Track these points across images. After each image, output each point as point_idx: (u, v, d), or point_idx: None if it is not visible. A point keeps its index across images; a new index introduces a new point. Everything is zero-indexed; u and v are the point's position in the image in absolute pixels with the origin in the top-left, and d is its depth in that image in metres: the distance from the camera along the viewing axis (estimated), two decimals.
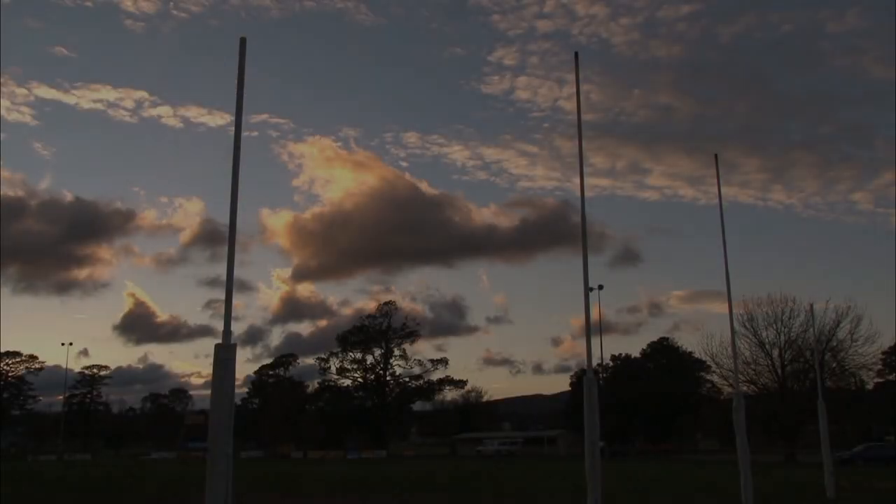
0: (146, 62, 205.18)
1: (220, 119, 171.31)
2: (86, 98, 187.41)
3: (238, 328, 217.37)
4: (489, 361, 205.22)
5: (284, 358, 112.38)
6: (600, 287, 66.20)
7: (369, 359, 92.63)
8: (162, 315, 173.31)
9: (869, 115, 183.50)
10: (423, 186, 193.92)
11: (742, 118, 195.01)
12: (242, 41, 8.03)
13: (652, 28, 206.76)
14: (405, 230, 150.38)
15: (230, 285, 7.36)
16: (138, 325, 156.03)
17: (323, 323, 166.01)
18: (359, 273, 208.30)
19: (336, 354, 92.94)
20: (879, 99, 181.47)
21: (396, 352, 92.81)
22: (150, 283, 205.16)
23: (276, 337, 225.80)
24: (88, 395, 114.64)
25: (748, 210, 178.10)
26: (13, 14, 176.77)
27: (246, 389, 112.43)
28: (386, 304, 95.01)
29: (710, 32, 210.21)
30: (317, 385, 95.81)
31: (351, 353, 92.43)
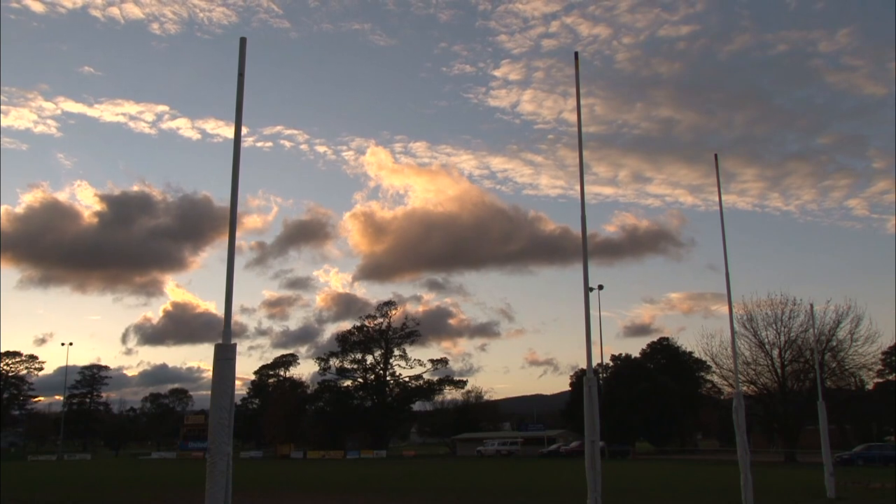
0: (168, 79, 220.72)
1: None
2: (109, 112, 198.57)
3: (294, 324, 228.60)
4: (533, 362, 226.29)
5: (284, 358, 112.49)
6: (600, 287, 66.55)
7: (369, 359, 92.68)
8: (217, 315, 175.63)
9: (862, 127, 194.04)
10: (488, 197, 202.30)
11: (740, 130, 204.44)
12: (242, 41, 8.04)
13: (653, 46, 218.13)
14: (469, 236, 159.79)
15: (230, 286, 7.35)
16: (183, 326, 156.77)
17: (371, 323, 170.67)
18: (418, 275, 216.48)
19: (336, 355, 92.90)
20: (872, 112, 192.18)
21: (396, 352, 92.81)
22: (208, 286, 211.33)
23: (327, 334, 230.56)
24: (88, 396, 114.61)
25: (747, 216, 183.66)
26: (45, 37, 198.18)
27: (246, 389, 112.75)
28: (385, 304, 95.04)
29: (709, 50, 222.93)
30: (317, 385, 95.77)
31: (351, 354, 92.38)
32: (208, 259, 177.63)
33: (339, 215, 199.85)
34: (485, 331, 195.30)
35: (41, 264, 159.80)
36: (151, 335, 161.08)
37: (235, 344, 7.14)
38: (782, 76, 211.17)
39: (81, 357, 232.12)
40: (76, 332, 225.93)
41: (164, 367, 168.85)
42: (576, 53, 11.71)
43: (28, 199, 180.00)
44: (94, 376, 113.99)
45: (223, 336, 7.14)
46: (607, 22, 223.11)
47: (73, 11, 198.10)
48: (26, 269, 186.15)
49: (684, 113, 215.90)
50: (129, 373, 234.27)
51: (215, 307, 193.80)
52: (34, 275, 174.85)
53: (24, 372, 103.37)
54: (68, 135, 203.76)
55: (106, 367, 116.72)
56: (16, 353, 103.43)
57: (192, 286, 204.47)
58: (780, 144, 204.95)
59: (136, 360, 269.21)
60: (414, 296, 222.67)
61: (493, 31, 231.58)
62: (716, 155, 17.73)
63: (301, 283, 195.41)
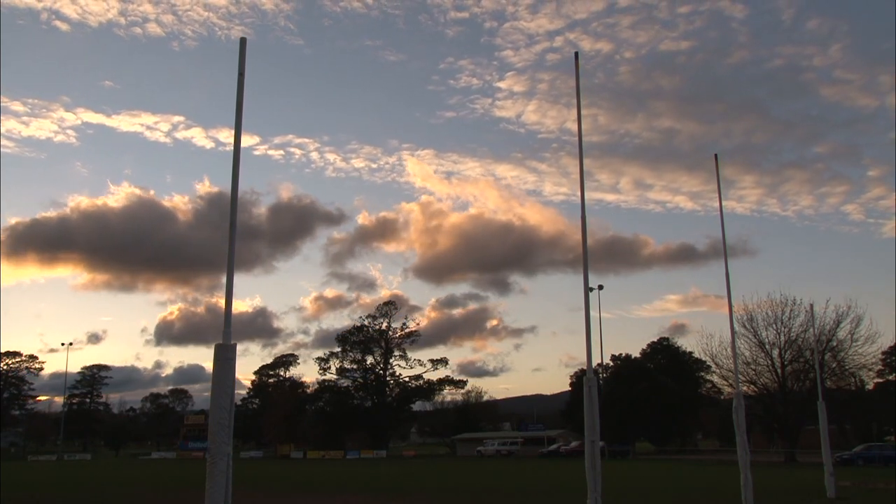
0: (185, 92, 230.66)
1: (250, 139, 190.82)
2: (126, 122, 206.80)
3: (342, 322, 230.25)
4: (568, 364, 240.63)
5: (285, 358, 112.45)
6: (600, 287, 66.57)
7: (369, 359, 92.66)
8: (268, 317, 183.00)
9: (856, 136, 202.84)
10: (536, 207, 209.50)
11: (738, 139, 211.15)
12: (242, 42, 8.04)
13: (654, 60, 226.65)
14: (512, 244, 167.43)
15: (230, 286, 7.37)
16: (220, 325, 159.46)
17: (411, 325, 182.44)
18: (468, 276, 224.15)
19: (336, 355, 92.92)
20: (866, 122, 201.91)
21: (396, 352, 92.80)
22: (267, 288, 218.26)
23: None
24: (88, 396, 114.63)
25: (745, 220, 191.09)
26: (71, 53, 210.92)
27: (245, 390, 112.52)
28: (385, 304, 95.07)
29: (708, 64, 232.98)
30: (317, 385, 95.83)
31: (351, 354, 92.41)
32: (288, 259, 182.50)
33: (378, 221, 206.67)
34: (522, 332, 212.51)
35: (107, 265, 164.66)
36: (189, 335, 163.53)
37: (235, 344, 7.17)
38: (778, 89, 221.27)
39: (119, 357, 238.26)
40: (127, 330, 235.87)
41: (198, 367, 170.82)
42: (576, 54, 11.75)
43: (120, 196, 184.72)
44: (94, 376, 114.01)
45: (223, 336, 7.15)
46: (609, 38, 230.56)
47: (98, 30, 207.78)
48: (87, 269, 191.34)
49: (684, 123, 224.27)
50: (165, 372, 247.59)
51: (260, 300, 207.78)
52: (98, 276, 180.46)
53: (25, 372, 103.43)
54: (85, 144, 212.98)
55: (107, 367, 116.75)
56: (16, 353, 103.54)
57: (248, 286, 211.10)
58: (777, 153, 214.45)
59: (177, 360, 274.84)
60: (459, 295, 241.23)
61: (499, 47, 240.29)
62: (716, 155, 17.71)
63: (351, 285, 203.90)
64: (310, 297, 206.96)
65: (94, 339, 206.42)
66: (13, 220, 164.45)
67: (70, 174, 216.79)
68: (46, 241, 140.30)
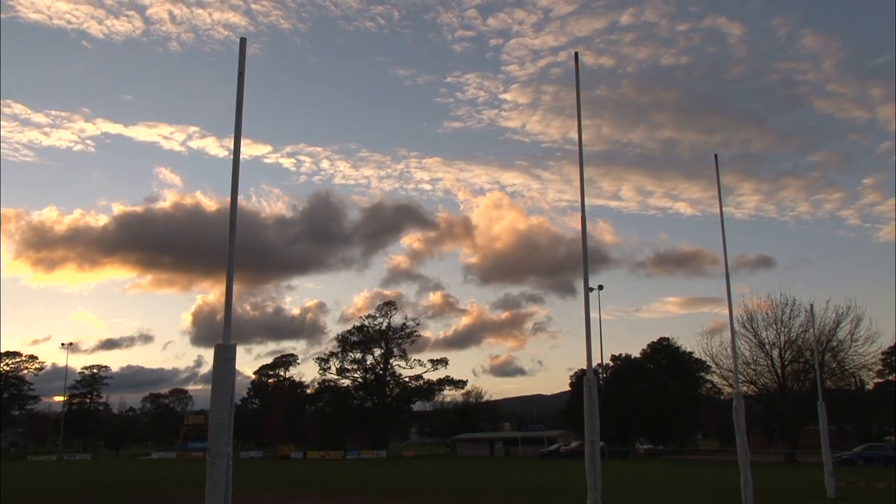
0: (200, 104, 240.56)
1: (264, 148, 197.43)
2: (142, 133, 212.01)
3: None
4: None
5: (284, 358, 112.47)
6: (600, 287, 66.55)
7: (369, 359, 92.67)
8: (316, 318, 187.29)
9: (850, 146, 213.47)
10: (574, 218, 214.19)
11: (737, 148, 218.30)
12: (242, 42, 8.05)
13: (655, 74, 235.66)
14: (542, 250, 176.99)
15: (230, 287, 7.36)
16: (254, 326, 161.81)
17: (446, 333, 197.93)
18: (519, 279, 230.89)
19: (336, 355, 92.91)
20: (859, 132, 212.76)
21: (396, 352, 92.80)
22: (322, 291, 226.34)
23: None
24: (89, 396, 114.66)
25: (744, 224, 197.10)
26: (93, 69, 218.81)
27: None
28: (385, 304, 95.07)
29: (706, 78, 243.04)
30: (317, 385, 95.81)
31: (351, 353, 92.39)
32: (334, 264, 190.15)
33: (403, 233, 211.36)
34: (564, 334, 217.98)
35: (157, 267, 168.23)
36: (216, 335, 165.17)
37: (235, 344, 7.16)
38: (774, 101, 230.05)
39: (155, 359, 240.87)
40: (174, 331, 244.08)
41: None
42: (576, 54, 11.76)
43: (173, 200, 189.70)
44: (94, 376, 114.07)
45: (223, 336, 7.14)
46: (611, 53, 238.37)
47: (121, 47, 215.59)
48: (138, 271, 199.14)
49: (684, 133, 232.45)
50: (202, 371, 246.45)
51: (290, 302, 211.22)
52: (156, 278, 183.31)
53: (25, 372, 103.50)
54: (102, 153, 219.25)
55: (107, 368, 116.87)
56: (16, 354, 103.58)
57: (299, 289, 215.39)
58: (774, 162, 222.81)
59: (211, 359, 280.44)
60: (502, 297, 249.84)
61: (504, 62, 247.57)
62: (716, 155, 17.71)
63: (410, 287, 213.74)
64: (360, 295, 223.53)
65: (147, 339, 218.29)
66: (107, 216, 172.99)
67: (99, 181, 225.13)
68: (138, 239, 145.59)
